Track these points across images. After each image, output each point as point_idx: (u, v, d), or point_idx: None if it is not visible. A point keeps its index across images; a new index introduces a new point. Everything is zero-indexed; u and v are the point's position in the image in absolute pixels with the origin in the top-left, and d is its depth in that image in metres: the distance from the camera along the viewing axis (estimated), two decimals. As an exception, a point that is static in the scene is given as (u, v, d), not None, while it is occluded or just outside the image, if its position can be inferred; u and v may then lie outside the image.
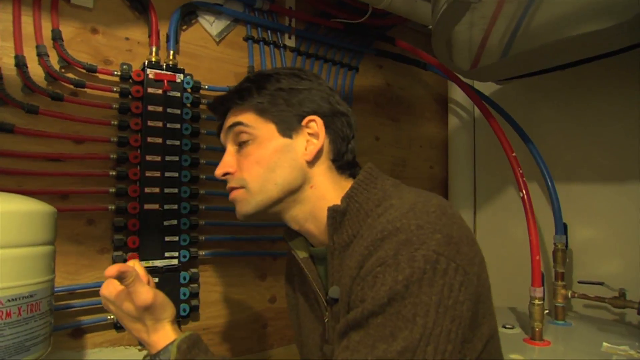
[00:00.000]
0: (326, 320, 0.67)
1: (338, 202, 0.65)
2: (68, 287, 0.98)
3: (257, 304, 1.27)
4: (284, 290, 0.88)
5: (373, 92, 1.60)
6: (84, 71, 1.02)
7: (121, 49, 1.09)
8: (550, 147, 1.32)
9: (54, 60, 0.99)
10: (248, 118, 0.68)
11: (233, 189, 0.69)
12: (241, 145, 0.69)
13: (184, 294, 1.09)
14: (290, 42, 1.39)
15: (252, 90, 0.68)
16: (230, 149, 0.71)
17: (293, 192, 0.67)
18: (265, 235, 1.28)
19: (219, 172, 0.70)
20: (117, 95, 1.06)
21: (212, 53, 1.24)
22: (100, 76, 1.05)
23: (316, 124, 0.67)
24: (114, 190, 1.03)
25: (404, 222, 0.54)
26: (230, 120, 0.70)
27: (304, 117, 0.68)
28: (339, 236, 0.64)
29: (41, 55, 0.97)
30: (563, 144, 1.33)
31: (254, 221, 0.71)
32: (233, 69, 1.27)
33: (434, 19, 1.03)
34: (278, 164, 0.66)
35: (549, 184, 1.23)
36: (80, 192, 1.01)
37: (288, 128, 0.67)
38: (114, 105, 1.05)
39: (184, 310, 1.09)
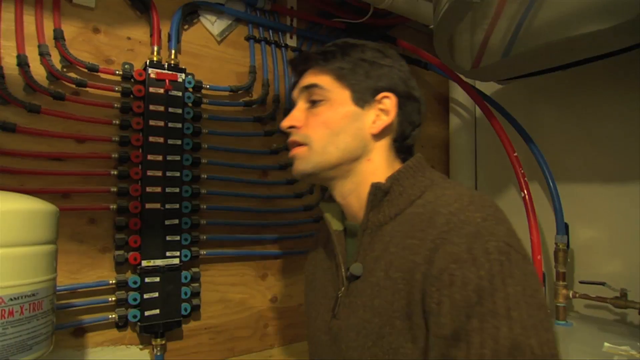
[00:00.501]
0: (339, 295, 0.67)
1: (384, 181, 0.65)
2: (70, 286, 0.98)
3: (258, 303, 1.27)
4: (307, 261, 0.88)
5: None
6: (86, 70, 1.02)
7: (123, 48, 1.09)
8: (552, 147, 1.32)
9: (55, 60, 1.00)
10: (325, 81, 0.69)
11: (295, 144, 0.70)
12: (313, 104, 0.70)
13: (185, 293, 1.09)
14: (292, 42, 1.39)
15: (336, 54, 0.69)
16: (301, 105, 0.72)
17: (350, 161, 0.68)
18: (267, 235, 1.29)
19: (285, 124, 0.71)
20: (118, 95, 1.06)
21: (213, 53, 1.24)
22: (102, 75, 1.05)
23: (390, 101, 0.68)
24: (115, 189, 1.03)
25: (468, 215, 0.54)
26: (308, 80, 0.71)
27: (380, 91, 0.68)
28: (375, 214, 0.65)
29: (43, 54, 0.97)
30: (565, 144, 1.33)
31: (308, 181, 0.73)
32: (234, 69, 1.27)
33: (436, 19, 1.03)
34: (344, 129, 0.67)
35: (551, 184, 1.23)
36: (82, 191, 1.01)
37: (362, 98, 0.68)
38: (115, 105, 1.05)
39: (185, 310, 1.09)
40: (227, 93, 1.24)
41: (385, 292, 0.59)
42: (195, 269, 1.13)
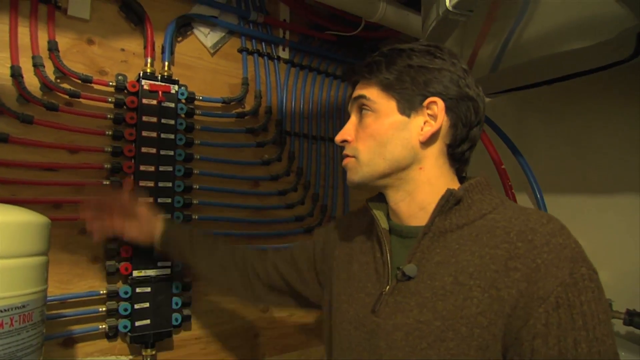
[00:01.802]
0: (384, 292, 0.67)
1: (442, 190, 0.66)
2: (60, 297, 0.98)
3: (249, 313, 1.27)
4: (317, 244, 0.87)
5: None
6: (79, 82, 1.03)
7: (117, 59, 1.11)
8: (539, 160, 1.34)
9: (49, 71, 1.00)
10: (372, 92, 0.69)
11: (347, 156, 0.72)
12: (362, 116, 0.71)
13: (176, 304, 1.10)
14: (284, 54, 1.41)
15: (381, 65, 0.69)
16: (353, 118, 0.73)
17: (400, 170, 0.68)
18: (258, 246, 1.29)
19: (338, 138, 0.72)
20: (111, 106, 1.07)
21: (206, 64, 1.25)
22: (96, 87, 1.06)
23: (437, 106, 0.67)
24: (107, 199, 1.03)
25: (565, 239, 0.58)
26: (357, 92, 0.71)
27: (427, 97, 0.67)
28: (441, 220, 0.65)
29: (37, 65, 0.98)
30: (552, 156, 1.35)
31: (363, 190, 0.74)
32: (227, 80, 1.29)
33: (424, 34, 1.05)
34: (390, 140, 0.67)
35: (538, 195, 1.25)
36: (73, 202, 1.01)
37: (408, 107, 0.68)
38: (108, 116, 1.05)
39: (176, 320, 1.09)
40: (219, 104, 1.25)
41: (453, 297, 0.60)
42: (186, 279, 1.13)
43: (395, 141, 0.67)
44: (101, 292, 1.02)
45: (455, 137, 0.69)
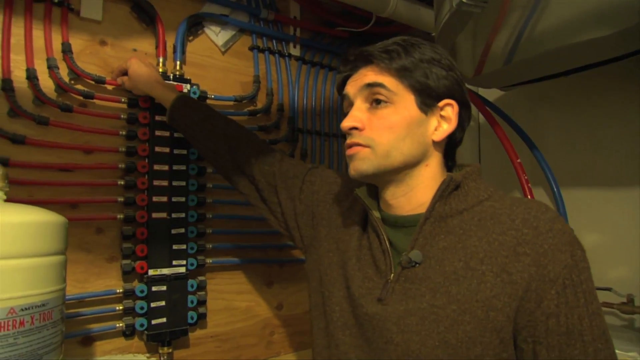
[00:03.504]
0: (389, 280, 0.67)
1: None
2: (78, 296, 0.99)
3: (264, 311, 1.28)
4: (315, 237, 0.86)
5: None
6: (93, 82, 1.04)
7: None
8: (556, 153, 1.32)
9: (63, 73, 1.02)
10: (390, 82, 0.67)
11: (357, 145, 0.68)
12: (375, 104, 0.68)
13: (192, 302, 1.10)
14: (295, 51, 1.41)
15: (400, 54, 0.67)
16: (361, 105, 0.69)
17: (411, 166, 0.69)
18: (272, 243, 1.29)
19: (347, 124, 0.69)
20: (125, 106, 1.07)
21: (218, 63, 1.26)
22: (109, 87, 1.07)
23: (452, 109, 0.69)
24: (122, 199, 1.04)
25: (563, 225, 0.63)
26: (371, 78, 0.68)
27: (441, 98, 0.68)
28: (441, 205, 0.67)
29: (51, 67, 0.99)
30: (568, 150, 1.33)
31: (364, 181, 0.73)
32: (239, 78, 1.29)
33: (437, 28, 1.04)
34: (409, 135, 0.67)
35: (555, 189, 1.23)
36: (89, 202, 1.02)
37: (425, 104, 0.68)
38: (122, 116, 1.06)
39: (192, 318, 1.10)
40: (231, 103, 1.25)
41: (467, 281, 0.62)
42: (201, 278, 1.14)
43: (413, 137, 0.67)
44: (118, 290, 1.03)
45: (456, 139, 0.72)
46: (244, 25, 1.29)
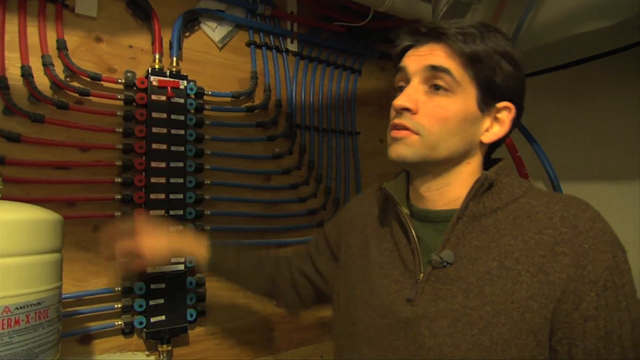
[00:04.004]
0: (419, 280, 0.64)
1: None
2: (76, 294, 0.98)
3: (263, 308, 1.27)
4: (330, 235, 0.84)
5: (376, 95, 1.59)
6: (89, 79, 1.03)
7: (125, 56, 1.10)
8: (555, 147, 1.31)
9: (59, 70, 1.01)
10: (457, 69, 0.62)
11: (405, 129, 0.64)
12: (434, 89, 0.63)
13: (191, 299, 1.10)
14: (293, 47, 1.40)
15: (476, 40, 0.62)
16: (418, 85, 0.64)
17: (453, 162, 0.66)
18: (271, 240, 1.29)
19: (400, 103, 0.63)
20: (121, 103, 1.07)
21: (215, 59, 1.25)
22: (105, 84, 1.06)
23: (509, 113, 0.65)
24: (119, 196, 1.04)
25: (604, 224, 0.60)
26: (437, 60, 0.62)
27: (503, 99, 0.64)
28: (475, 204, 0.64)
29: (46, 65, 0.98)
30: (568, 143, 1.32)
31: (402, 167, 0.71)
32: (236, 74, 1.28)
33: (435, 20, 1.03)
34: (460, 131, 0.63)
35: (555, 183, 1.22)
36: (86, 200, 1.02)
37: (485, 102, 0.64)
38: (118, 113, 1.06)
39: (191, 315, 1.09)
40: (229, 99, 1.25)
41: (502, 282, 0.59)
42: (200, 275, 1.13)
43: (464, 134, 0.64)
44: (116, 289, 1.02)
45: (501, 142, 0.69)
46: (240, 21, 1.28)
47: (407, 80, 0.65)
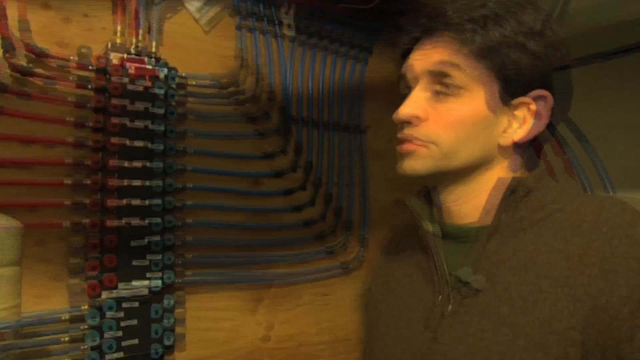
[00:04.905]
0: (445, 313, 0.60)
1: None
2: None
3: (250, 333, 1.12)
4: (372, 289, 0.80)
5: (385, 87, 1.43)
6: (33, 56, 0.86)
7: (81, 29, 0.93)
8: (609, 148, 1.16)
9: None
10: (466, 64, 0.57)
11: (413, 139, 0.61)
12: (444, 88, 0.60)
13: (156, 332, 0.92)
14: (290, 31, 1.24)
15: (487, 25, 0.57)
16: (423, 90, 0.61)
17: (470, 170, 0.62)
18: (259, 257, 1.13)
19: (407, 112, 0.60)
20: (75, 88, 0.90)
21: (200, 44, 1.10)
22: (51, 62, 0.89)
23: (529, 111, 0.59)
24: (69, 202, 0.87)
25: None
26: (442, 59, 0.58)
27: (534, 87, 0.59)
28: (509, 217, 0.59)
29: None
30: (625, 145, 1.16)
31: (416, 181, 0.67)
32: (224, 62, 1.13)
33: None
34: (475, 136, 0.60)
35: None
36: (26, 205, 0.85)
37: (509, 93, 0.59)
38: (69, 99, 0.89)
39: (156, 352, 0.91)
40: (216, 90, 1.10)
41: (538, 310, 0.53)
42: (169, 300, 0.96)
43: (477, 139, 0.60)
44: (63, 317, 0.85)
45: (530, 138, 0.62)
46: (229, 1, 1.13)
47: (410, 88, 0.63)
